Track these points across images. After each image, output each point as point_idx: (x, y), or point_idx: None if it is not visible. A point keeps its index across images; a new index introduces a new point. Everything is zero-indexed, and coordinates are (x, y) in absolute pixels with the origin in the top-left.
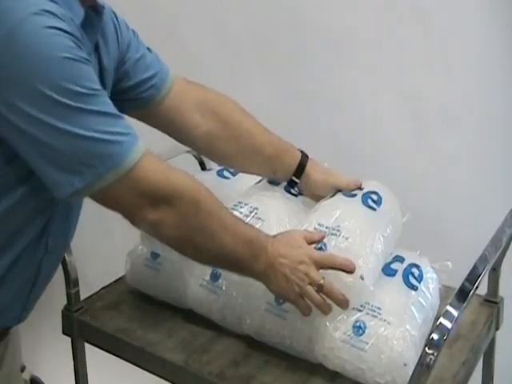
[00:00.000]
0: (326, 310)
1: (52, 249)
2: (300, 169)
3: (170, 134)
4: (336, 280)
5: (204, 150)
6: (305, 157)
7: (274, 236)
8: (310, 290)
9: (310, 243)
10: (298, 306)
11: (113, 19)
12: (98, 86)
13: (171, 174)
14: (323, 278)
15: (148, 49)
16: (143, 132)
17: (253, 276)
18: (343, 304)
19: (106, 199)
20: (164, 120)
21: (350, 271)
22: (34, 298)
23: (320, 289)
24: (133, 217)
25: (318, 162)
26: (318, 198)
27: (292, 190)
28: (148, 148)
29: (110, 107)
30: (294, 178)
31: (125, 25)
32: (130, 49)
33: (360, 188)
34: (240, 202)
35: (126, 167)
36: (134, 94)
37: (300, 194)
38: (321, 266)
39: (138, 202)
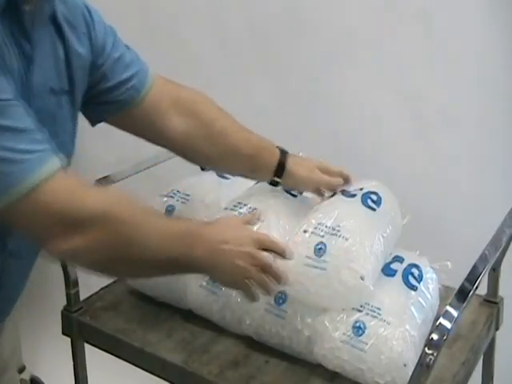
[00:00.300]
0: (270, 291)
1: (16, 252)
2: (280, 167)
3: (144, 136)
4: (335, 280)
5: (181, 151)
6: (284, 154)
7: (208, 223)
8: (255, 272)
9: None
10: (245, 292)
11: (84, 16)
12: (6, 95)
13: (82, 196)
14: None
15: (127, 47)
16: None
17: (195, 269)
18: (284, 280)
19: (13, 222)
20: (141, 122)
21: (287, 257)
22: (4, 302)
23: (265, 269)
24: (44, 245)
25: (296, 155)
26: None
27: (292, 190)
28: (61, 166)
29: (19, 120)
30: (275, 179)
31: (101, 23)
32: (106, 48)
33: (347, 181)
34: (240, 203)
35: (23, 189)
36: (113, 97)
37: (300, 193)
38: (262, 246)
39: (47, 229)
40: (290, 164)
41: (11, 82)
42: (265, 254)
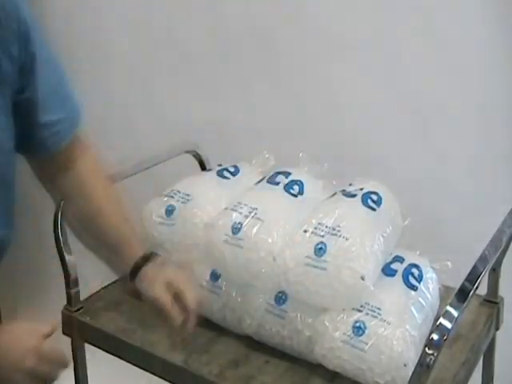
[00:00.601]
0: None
1: None
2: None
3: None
4: (336, 279)
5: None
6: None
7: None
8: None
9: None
10: None
11: (17, 30)
12: None
13: None
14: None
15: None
16: (143, 132)
17: None
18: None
19: None
20: (40, 170)
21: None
22: None
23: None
24: None
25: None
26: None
27: (292, 190)
28: None
29: None
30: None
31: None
32: (34, 72)
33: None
34: (240, 203)
35: None
36: (37, 138)
37: (300, 194)
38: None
39: None
40: (144, 274)
41: None
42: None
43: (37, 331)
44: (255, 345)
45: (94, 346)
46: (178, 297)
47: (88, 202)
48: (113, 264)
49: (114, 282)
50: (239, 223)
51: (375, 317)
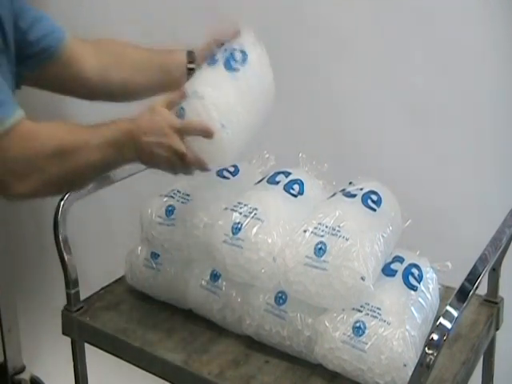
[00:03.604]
0: (190, 173)
1: None
2: (190, 58)
3: (62, 88)
4: (336, 280)
5: (101, 86)
6: (190, 51)
7: (134, 119)
8: (176, 160)
9: (172, 107)
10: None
11: None
12: None
13: (37, 138)
14: (186, 147)
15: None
16: None
17: (128, 163)
18: (204, 167)
19: None
20: (59, 73)
21: (209, 135)
22: None
23: (183, 158)
24: (6, 190)
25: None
26: None
27: (292, 190)
28: (21, 119)
29: None
30: (189, 66)
31: None
32: (24, 8)
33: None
34: (240, 203)
35: None
36: (33, 51)
37: (300, 194)
38: (183, 133)
39: (8, 173)
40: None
41: None
42: (180, 144)
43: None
44: (255, 345)
45: (94, 345)
46: None
47: (119, 53)
48: (170, 72)
49: (114, 282)
50: (239, 223)
51: (375, 317)
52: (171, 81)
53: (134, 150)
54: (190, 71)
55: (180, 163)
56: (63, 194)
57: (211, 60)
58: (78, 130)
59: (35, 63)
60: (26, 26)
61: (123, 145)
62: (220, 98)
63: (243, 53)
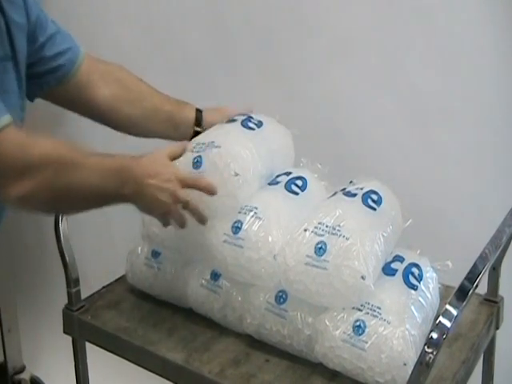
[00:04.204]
0: (183, 225)
1: None
2: (199, 117)
3: (75, 107)
4: (336, 279)
5: (106, 117)
6: (198, 110)
7: (138, 158)
8: (175, 208)
9: (174, 159)
10: (162, 222)
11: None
12: None
13: (31, 144)
14: (189, 195)
15: (59, 28)
16: None
17: (123, 201)
18: (203, 220)
19: None
20: (75, 93)
21: (211, 193)
22: None
23: (186, 206)
24: None
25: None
26: None
27: (293, 187)
28: (12, 121)
29: None
30: (196, 129)
31: (35, 4)
32: (42, 22)
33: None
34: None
35: None
36: (51, 67)
37: (303, 190)
38: (186, 184)
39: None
40: (207, 112)
41: None
42: (184, 192)
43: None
44: (256, 344)
45: (95, 344)
46: None
47: (133, 90)
48: (177, 129)
49: (114, 281)
50: (239, 222)
51: (375, 316)
52: (176, 134)
53: (134, 189)
54: (196, 133)
55: (177, 213)
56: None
57: (228, 120)
58: (80, 149)
59: (47, 81)
60: (44, 41)
61: (125, 180)
62: (236, 149)
63: (259, 121)
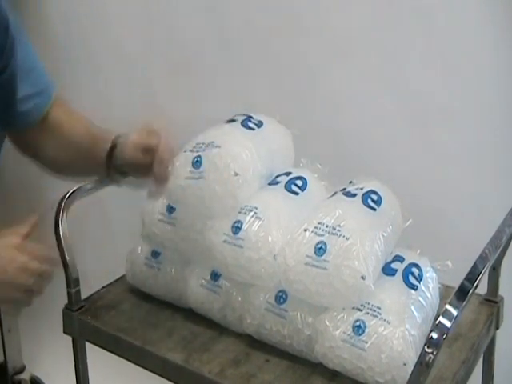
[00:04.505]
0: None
1: None
2: (111, 151)
3: (24, 152)
4: (336, 279)
5: (49, 167)
6: (118, 137)
7: None
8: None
9: (26, 237)
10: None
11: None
12: None
13: None
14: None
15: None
16: None
17: None
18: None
19: None
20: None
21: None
22: None
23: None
24: None
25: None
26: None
27: (293, 187)
28: None
29: None
30: (112, 172)
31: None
32: (13, 54)
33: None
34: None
35: None
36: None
37: (303, 189)
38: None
39: None
40: (120, 144)
41: None
42: (35, 266)
43: (16, 233)
44: (255, 344)
45: (95, 344)
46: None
47: (61, 133)
48: (98, 168)
49: (114, 281)
50: (239, 222)
51: (375, 316)
52: (100, 172)
53: None
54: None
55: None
56: None
57: (228, 119)
58: None
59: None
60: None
61: None
62: (236, 149)
63: (259, 121)
